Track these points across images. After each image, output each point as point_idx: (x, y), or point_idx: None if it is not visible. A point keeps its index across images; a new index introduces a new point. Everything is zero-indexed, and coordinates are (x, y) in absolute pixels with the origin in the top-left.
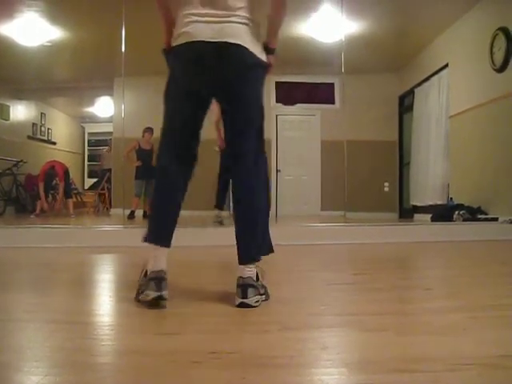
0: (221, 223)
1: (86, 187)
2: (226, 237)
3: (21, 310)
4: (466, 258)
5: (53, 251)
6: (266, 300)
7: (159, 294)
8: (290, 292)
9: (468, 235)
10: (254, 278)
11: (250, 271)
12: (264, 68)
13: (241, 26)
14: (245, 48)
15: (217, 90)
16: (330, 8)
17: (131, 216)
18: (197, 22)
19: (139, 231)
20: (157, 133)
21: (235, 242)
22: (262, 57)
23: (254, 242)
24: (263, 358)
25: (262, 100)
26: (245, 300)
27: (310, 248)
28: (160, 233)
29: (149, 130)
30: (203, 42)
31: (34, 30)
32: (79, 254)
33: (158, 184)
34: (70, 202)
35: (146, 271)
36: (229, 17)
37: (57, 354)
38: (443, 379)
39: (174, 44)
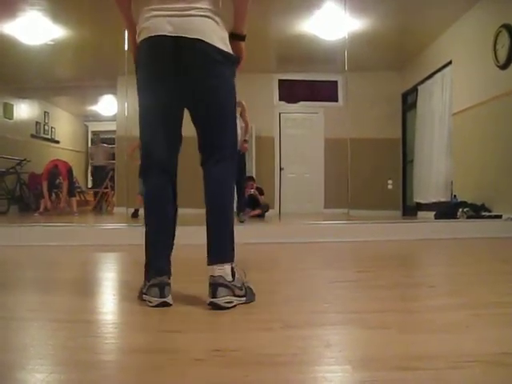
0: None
1: (89, 186)
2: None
3: (24, 309)
4: (469, 256)
5: (56, 249)
6: (248, 302)
7: (163, 300)
8: (293, 290)
9: (471, 232)
10: (227, 278)
11: (220, 270)
12: (230, 62)
13: (202, 18)
14: (205, 42)
15: (181, 90)
16: (333, 5)
17: (135, 214)
18: (156, 16)
19: (142, 229)
20: None
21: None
22: (228, 49)
23: (226, 240)
24: (266, 356)
25: (232, 97)
26: (213, 300)
27: (313, 246)
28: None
29: None
30: (162, 36)
31: (36, 29)
32: (82, 252)
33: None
34: (74, 200)
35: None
36: (189, 10)
37: (60, 352)
38: (446, 377)
39: (138, 40)
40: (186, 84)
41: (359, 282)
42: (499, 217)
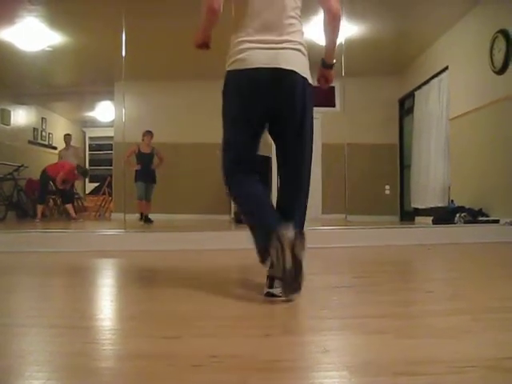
0: None
1: (87, 192)
2: (232, 240)
3: (22, 315)
4: (467, 261)
5: (53, 256)
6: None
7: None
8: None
9: (469, 237)
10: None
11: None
12: (312, 89)
13: (294, 52)
14: (298, 74)
15: (271, 116)
16: None
17: (146, 219)
18: (252, 48)
19: (140, 235)
20: (156, 136)
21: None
22: (310, 79)
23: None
24: (264, 362)
25: (312, 120)
26: (271, 290)
27: (311, 251)
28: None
29: (148, 133)
30: (258, 68)
31: (34, 35)
32: (80, 258)
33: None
34: (70, 206)
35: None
36: (282, 43)
37: (58, 358)
38: (445, 382)
39: (228, 69)
40: (278, 111)
41: (357, 287)
42: (497, 222)
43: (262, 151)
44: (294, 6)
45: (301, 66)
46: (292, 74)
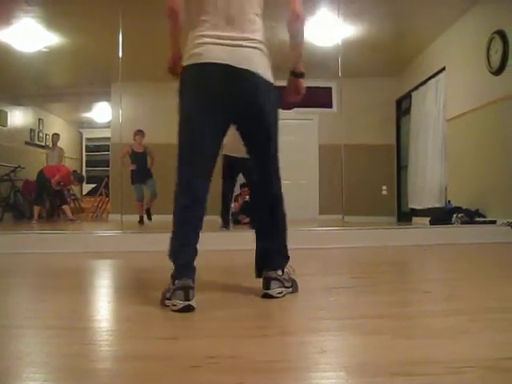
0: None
1: (84, 193)
2: (227, 241)
3: (19, 316)
4: (464, 261)
5: (50, 257)
6: (294, 292)
7: (188, 303)
8: (289, 296)
9: (466, 238)
10: (279, 272)
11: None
12: (275, 93)
13: (253, 50)
14: (255, 73)
15: (230, 113)
16: (327, 12)
17: (147, 213)
18: (208, 43)
19: (137, 236)
20: (153, 137)
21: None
22: (270, 78)
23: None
24: (262, 363)
25: (277, 125)
26: (267, 291)
27: (308, 252)
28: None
29: (139, 132)
30: (214, 63)
31: (31, 36)
32: (77, 259)
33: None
34: (67, 207)
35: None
36: (240, 40)
37: (55, 359)
38: (442, 382)
39: (184, 64)
40: (234, 110)
41: (354, 288)
42: (493, 222)
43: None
44: (255, 2)
45: (259, 65)
46: (248, 73)
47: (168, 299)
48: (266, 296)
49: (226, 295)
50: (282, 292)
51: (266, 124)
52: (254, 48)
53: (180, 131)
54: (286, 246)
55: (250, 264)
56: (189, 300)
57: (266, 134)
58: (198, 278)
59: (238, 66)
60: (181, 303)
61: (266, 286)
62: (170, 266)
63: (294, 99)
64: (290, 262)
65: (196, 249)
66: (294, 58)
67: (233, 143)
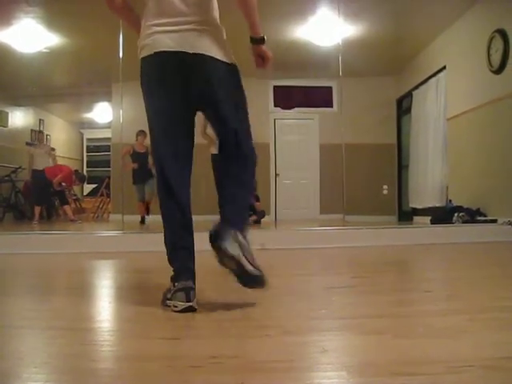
0: None
1: (85, 193)
2: None
3: (20, 317)
4: (465, 260)
5: (51, 257)
6: (261, 282)
7: (189, 304)
8: (290, 296)
9: (467, 237)
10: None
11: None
12: (232, 69)
13: (199, 33)
14: (205, 56)
15: (191, 100)
16: (328, 11)
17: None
18: (157, 32)
19: (138, 236)
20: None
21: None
22: (228, 58)
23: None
24: (263, 363)
25: (242, 101)
26: (218, 243)
27: (309, 252)
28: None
29: (142, 132)
30: (164, 52)
31: (32, 37)
32: (78, 259)
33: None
34: (67, 208)
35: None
36: (186, 24)
37: (56, 360)
38: (443, 382)
39: (139, 57)
40: (194, 95)
41: (355, 287)
42: (494, 221)
43: None
44: None
45: (211, 46)
46: (200, 56)
47: (169, 299)
48: (215, 248)
49: (227, 295)
50: (238, 255)
51: (224, 103)
52: (203, 30)
53: (150, 128)
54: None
55: None
56: (190, 301)
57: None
58: (199, 278)
59: (186, 51)
60: (182, 304)
61: (217, 236)
62: (169, 267)
63: (262, 66)
64: (282, 274)
65: (192, 250)
66: (250, 24)
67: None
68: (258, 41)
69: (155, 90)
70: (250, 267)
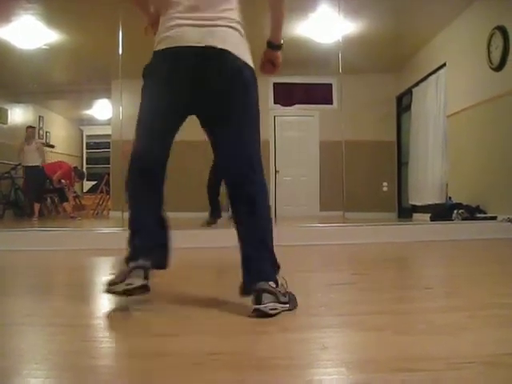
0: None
1: (84, 190)
2: (221, 238)
3: (20, 314)
4: (465, 257)
5: (51, 254)
6: (292, 309)
7: (142, 283)
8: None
9: (467, 234)
10: (272, 284)
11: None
12: (253, 72)
13: (228, 29)
14: (233, 54)
15: (200, 105)
16: (328, 8)
17: None
18: (181, 25)
19: None
20: None
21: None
22: (250, 61)
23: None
24: (263, 360)
25: (256, 107)
26: (259, 306)
27: (309, 248)
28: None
29: None
30: (188, 46)
31: (31, 34)
32: (78, 256)
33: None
34: (67, 205)
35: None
36: (216, 20)
37: (56, 356)
38: (444, 378)
39: (155, 49)
40: (207, 96)
41: (355, 284)
42: (494, 218)
43: None
44: None
45: (238, 46)
46: (226, 53)
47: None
48: (258, 313)
49: (226, 292)
50: (276, 309)
51: (241, 112)
52: (231, 28)
53: (142, 112)
54: (273, 251)
55: None
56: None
57: (241, 128)
58: (200, 275)
59: (213, 45)
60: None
61: (257, 299)
62: (172, 262)
63: (270, 72)
64: (282, 272)
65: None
66: (273, 29)
67: None
68: (276, 47)
69: (161, 86)
70: (285, 306)
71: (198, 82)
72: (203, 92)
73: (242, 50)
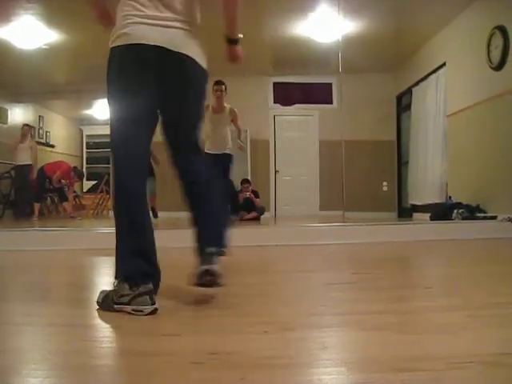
0: None
1: (84, 190)
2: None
3: (19, 313)
4: (465, 257)
5: (51, 254)
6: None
7: (155, 307)
8: (289, 292)
9: (467, 234)
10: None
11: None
12: (206, 76)
13: (186, 32)
14: (190, 58)
15: (160, 100)
16: (327, 8)
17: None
18: (138, 23)
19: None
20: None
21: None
22: (204, 63)
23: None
24: (263, 359)
25: (202, 107)
26: (209, 266)
27: (309, 248)
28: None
29: None
30: (146, 45)
31: (31, 33)
32: (78, 256)
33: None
34: (67, 204)
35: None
36: (173, 21)
37: (56, 356)
38: (444, 377)
39: (111, 45)
40: (166, 95)
41: (355, 283)
42: (494, 218)
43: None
44: None
45: (195, 49)
46: (184, 57)
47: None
48: (207, 273)
49: (226, 292)
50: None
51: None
52: (187, 30)
53: (114, 112)
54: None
55: (250, 261)
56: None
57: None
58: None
59: (171, 49)
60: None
61: (207, 260)
62: (170, 262)
63: (235, 62)
64: (282, 272)
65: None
66: (228, 24)
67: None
68: (234, 41)
69: (128, 82)
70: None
71: (156, 81)
72: (162, 90)
73: (199, 53)
